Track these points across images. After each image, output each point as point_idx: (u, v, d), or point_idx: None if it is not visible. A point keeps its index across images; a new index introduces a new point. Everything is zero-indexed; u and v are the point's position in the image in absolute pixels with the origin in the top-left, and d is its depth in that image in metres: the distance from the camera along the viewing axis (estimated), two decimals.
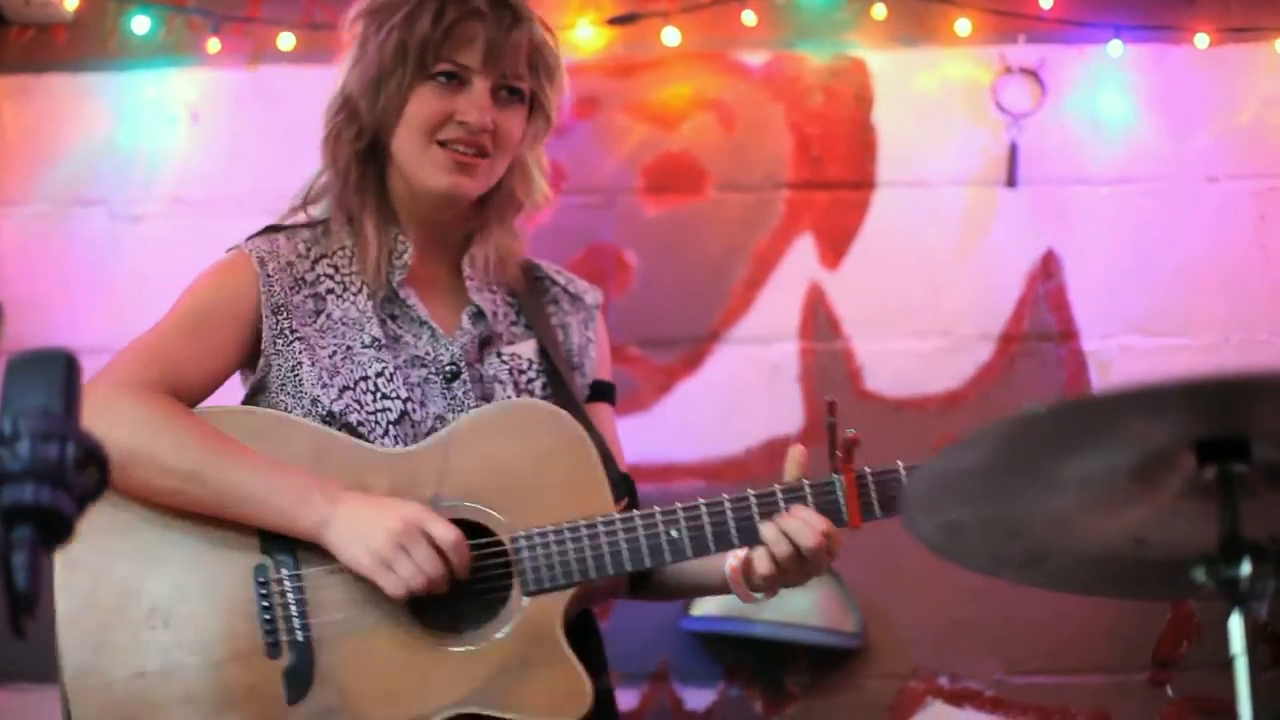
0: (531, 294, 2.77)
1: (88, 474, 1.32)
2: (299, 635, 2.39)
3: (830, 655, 3.51)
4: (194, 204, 3.68)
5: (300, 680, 2.39)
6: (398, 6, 2.59)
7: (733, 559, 2.51)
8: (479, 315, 2.67)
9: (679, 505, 2.44)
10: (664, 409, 3.64)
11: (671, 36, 3.67)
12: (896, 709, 3.55)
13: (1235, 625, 1.63)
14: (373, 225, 2.62)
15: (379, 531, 2.36)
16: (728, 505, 2.45)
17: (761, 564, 2.42)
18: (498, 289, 2.72)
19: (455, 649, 2.41)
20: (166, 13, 3.69)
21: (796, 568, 2.43)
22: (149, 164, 3.69)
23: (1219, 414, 1.61)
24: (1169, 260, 3.65)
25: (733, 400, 3.64)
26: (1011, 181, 3.65)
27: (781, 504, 2.44)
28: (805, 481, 2.45)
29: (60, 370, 1.36)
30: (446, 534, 2.38)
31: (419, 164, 2.59)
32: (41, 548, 1.28)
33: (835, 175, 3.70)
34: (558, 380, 2.67)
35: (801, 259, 3.68)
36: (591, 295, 2.84)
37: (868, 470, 2.45)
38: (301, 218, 2.69)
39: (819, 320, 3.66)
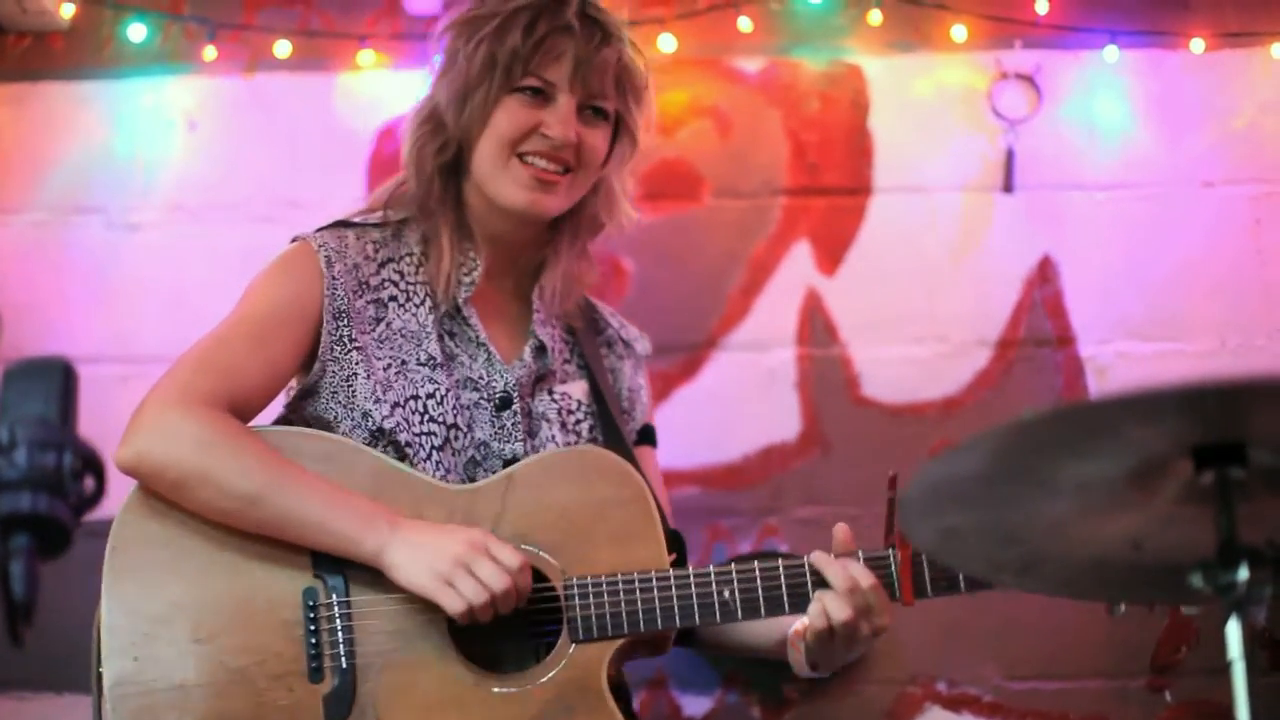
0: (588, 333, 2.77)
1: (85, 482, 1.32)
2: (343, 661, 2.38)
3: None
4: (191, 211, 3.67)
5: (340, 706, 2.38)
6: (489, 19, 2.59)
7: (798, 623, 2.51)
8: (542, 350, 2.66)
9: (734, 564, 2.45)
10: (661, 416, 3.62)
11: (667, 43, 3.67)
12: (894, 714, 3.54)
13: (1233, 630, 1.63)
14: (448, 237, 2.61)
15: (442, 552, 2.36)
16: (782, 570, 2.46)
17: (817, 620, 2.45)
18: (557, 324, 2.72)
19: (498, 689, 2.40)
20: (163, 21, 3.68)
21: (844, 638, 2.45)
22: (146, 172, 3.69)
23: (1216, 419, 1.61)
24: (1165, 265, 3.65)
25: (730, 407, 3.64)
26: (1008, 187, 3.65)
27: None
28: (860, 553, 2.47)
29: (58, 379, 1.36)
30: (512, 557, 2.37)
31: (499, 178, 2.58)
32: (39, 556, 1.28)
33: (832, 181, 3.70)
34: (608, 422, 2.66)
35: (798, 265, 3.68)
36: (641, 344, 2.85)
37: (923, 550, 2.47)
38: (375, 216, 2.68)
39: (816, 326, 3.66)
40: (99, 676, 2.39)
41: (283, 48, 3.67)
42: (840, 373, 3.64)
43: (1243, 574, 1.64)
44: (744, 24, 3.68)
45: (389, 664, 2.40)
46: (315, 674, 2.38)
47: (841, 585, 2.42)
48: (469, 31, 2.61)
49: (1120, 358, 3.63)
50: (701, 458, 3.62)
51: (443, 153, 2.62)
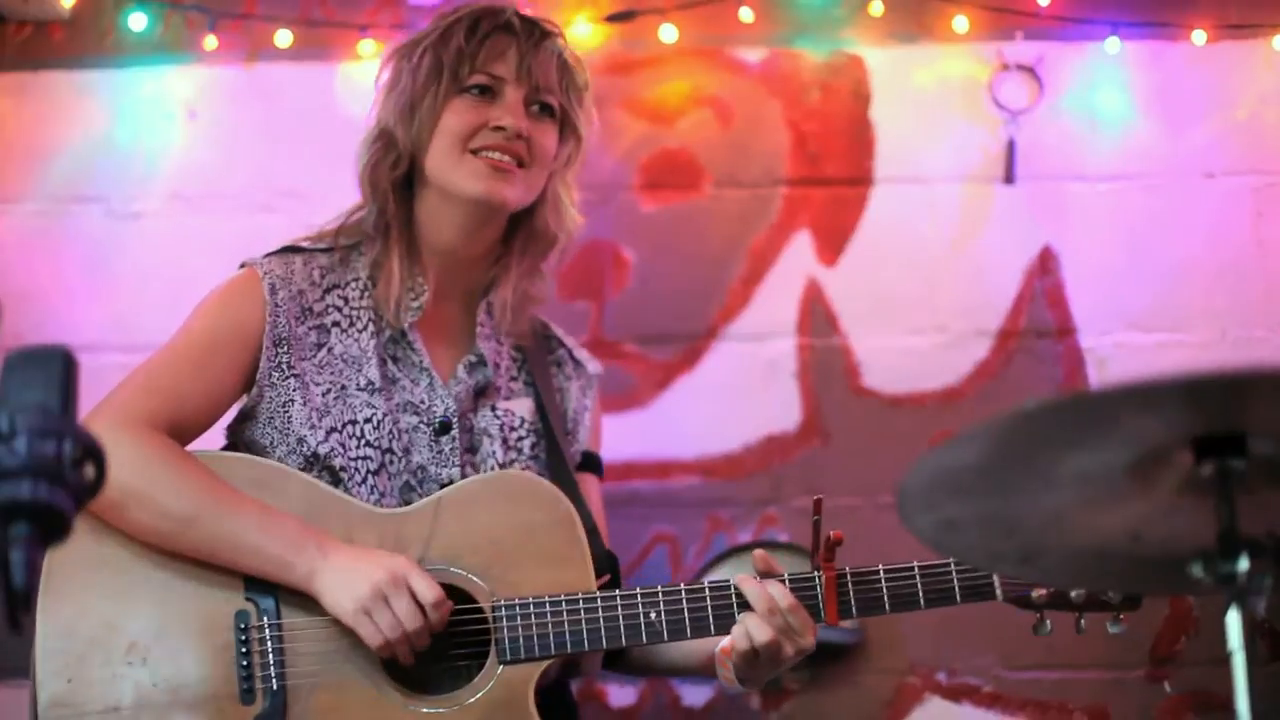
0: (537, 350, 2.78)
1: (85, 471, 1.32)
2: (274, 683, 2.40)
3: (828, 651, 3.51)
4: (192, 201, 3.67)
5: None
6: (430, 33, 2.64)
7: (724, 640, 2.54)
8: (478, 364, 2.68)
9: (660, 588, 2.49)
10: (662, 406, 3.64)
11: (669, 33, 3.67)
12: (894, 705, 3.55)
13: (1233, 621, 1.63)
14: (398, 260, 2.63)
15: (364, 581, 2.38)
16: (708, 591, 2.49)
17: (741, 641, 2.48)
18: (505, 341, 2.73)
19: (426, 709, 2.43)
20: (163, 10, 3.68)
21: (772, 653, 2.49)
22: (147, 161, 3.69)
23: (1216, 410, 1.61)
24: (1166, 256, 3.65)
25: (730, 397, 3.64)
26: (1009, 178, 3.65)
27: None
28: (785, 575, 2.50)
29: (58, 367, 1.36)
30: (429, 591, 2.40)
31: (455, 172, 2.60)
32: (39, 545, 1.28)
33: (833, 172, 3.70)
34: (551, 442, 2.69)
35: (799, 255, 3.68)
36: (593, 366, 2.87)
37: (848, 570, 2.51)
38: (324, 242, 2.70)
39: (816, 317, 3.66)
40: (34, 699, 2.39)
41: (283, 37, 3.67)
42: (840, 363, 3.64)
43: (1243, 565, 1.64)
44: (745, 14, 3.68)
45: (320, 685, 2.42)
46: (247, 696, 2.40)
47: (761, 607, 2.47)
48: (411, 49, 2.67)
49: (1120, 348, 3.63)
50: (702, 447, 3.62)
51: (396, 168, 2.65)
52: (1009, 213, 3.67)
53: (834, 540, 2.49)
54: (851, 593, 2.52)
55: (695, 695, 3.55)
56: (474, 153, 2.60)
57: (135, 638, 2.41)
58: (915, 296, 3.66)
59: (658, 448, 3.60)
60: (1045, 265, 3.66)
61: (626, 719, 3.55)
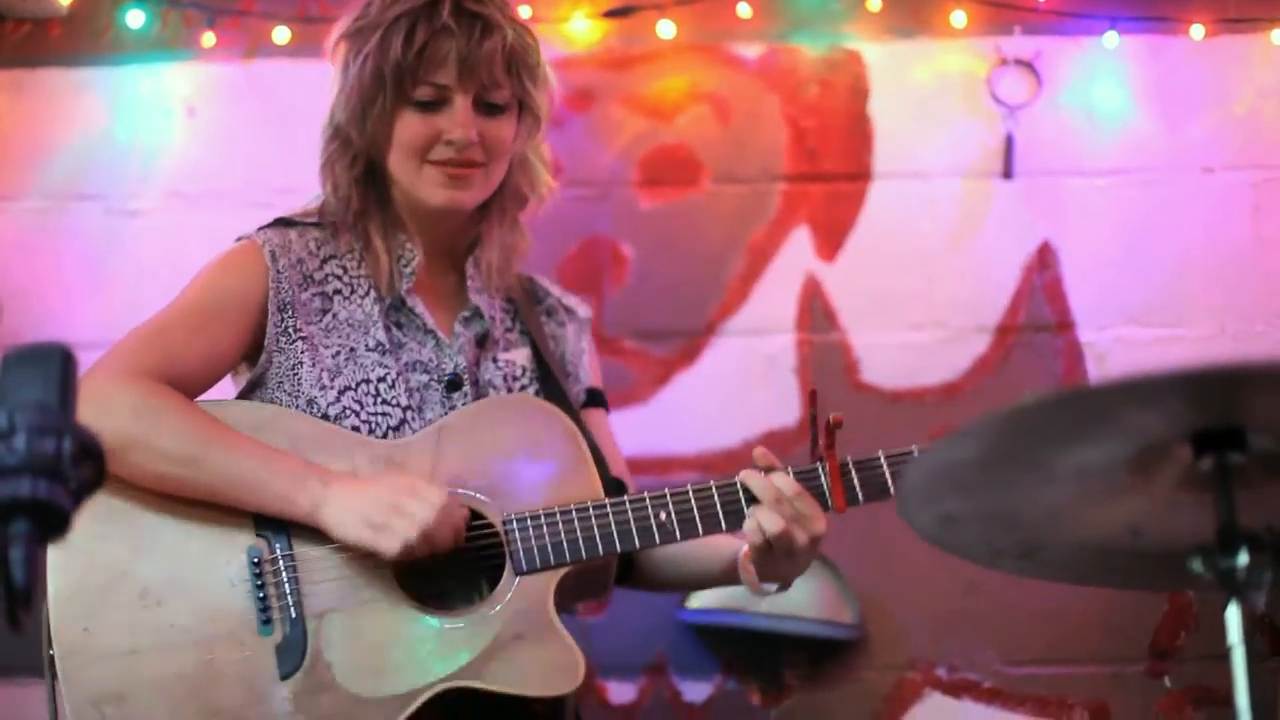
0: (527, 302, 2.79)
1: (84, 468, 1.32)
2: (292, 612, 2.41)
3: (828, 647, 3.52)
4: (190, 198, 3.67)
5: (292, 655, 2.40)
6: (372, 30, 2.60)
7: (746, 545, 2.54)
8: (474, 317, 2.68)
9: (668, 490, 2.49)
10: (661, 402, 3.64)
11: (666, 29, 3.67)
12: (894, 700, 3.55)
13: (1233, 616, 1.64)
14: (380, 237, 2.64)
15: (373, 502, 2.39)
16: (715, 490, 2.49)
17: (754, 534, 2.47)
18: (496, 295, 2.74)
19: (447, 624, 2.43)
20: (161, 7, 3.68)
21: (783, 550, 2.47)
22: (145, 158, 3.69)
23: (1215, 405, 1.61)
24: (1165, 251, 3.65)
25: (730, 392, 3.64)
26: (1007, 173, 3.65)
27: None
28: (790, 468, 2.50)
29: (57, 364, 1.36)
30: (439, 493, 2.40)
31: (414, 184, 2.62)
32: (38, 542, 1.28)
33: (831, 167, 3.70)
34: (552, 385, 2.69)
35: (798, 251, 3.68)
36: (583, 309, 2.88)
37: (849, 459, 2.52)
38: (312, 217, 2.70)
39: (815, 312, 3.66)
40: (50, 659, 2.40)
41: (281, 34, 3.67)
42: (840, 358, 3.64)
43: (1242, 559, 1.64)
44: (743, 10, 3.68)
45: (338, 609, 2.42)
46: (265, 627, 2.40)
47: (768, 497, 2.46)
48: (356, 45, 2.62)
49: (1119, 343, 3.63)
50: (701, 443, 3.62)
51: (355, 166, 2.64)
52: (1007, 208, 3.67)
53: (834, 424, 2.49)
54: (855, 479, 2.52)
55: (695, 691, 3.56)
56: (431, 163, 2.60)
57: (149, 582, 2.41)
58: (914, 292, 3.66)
59: (657, 444, 3.60)
60: (1044, 260, 3.66)
61: (626, 715, 3.55)
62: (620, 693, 3.56)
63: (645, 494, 2.51)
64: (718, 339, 3.66)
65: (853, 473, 2.53)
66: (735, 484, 2.51)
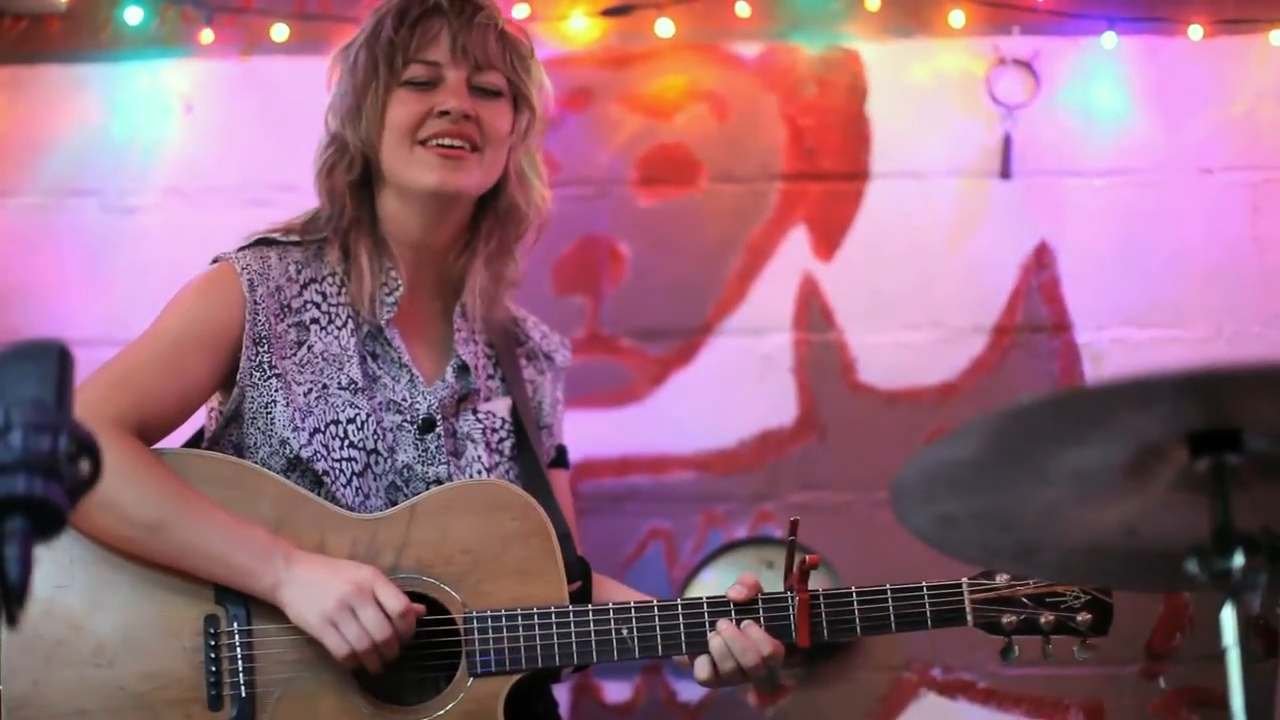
0: (507, 346, 2.76)
1: (80, 465, 1.32)
2: (242, 690, 2.39)
3: (823, 647, 3.51)
4: (187, 195, 3.67)
5: None
6: (363, 30, 2.62)
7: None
8: (464, 369, 2.66)
9: (633, 604, 2.48)
10: (657, 401, 3.64)
11: (665, 28, 3.67)
12: (890, 700, 3.55)
13: (1228, 617, 1.63)
14: (367, 256, 2.61)
15: (330, 593, 2.36)
16: (681, 611, 2.48)
17: (701, 670, 2.50)
18: (479, 340, 2.71)
19: None
20: (160, 3, 3.68)
21: (735, 679, 2.51)
22: (142, 155, 3.68)
23: (1211, 406, 1.61)
24: (1162, 252, 3.65)
25: (726, 392, 3.64)
26: (1005, 173, 3.65)
27: (734, 618, 2.49)
28: (759, 596, 2.49)
29: (53, 361, 1.35)
30: (395, 601, 2.38)
31: (407, 167, 2.58)
32: (33, 540, 1.28)
33: (829, 167, 3.70)
34: (524, 440, 2.67)
35: (795, 250, 3.68)
36: (561, 355, 2.85)
37: (820, 592, 2.50)
38: (294, 235, 2.67)
39: (812, 312, 3.66)
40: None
41: (279, 31, 3.67)
42: (837, 358, 3.64)
43: (1238, 561, 1.64)
44: (742, 9, 3.68)
45: (288, 694, 2.40)
46: (215, 702, 2.38)
47: (725, 654, 2.47)
48: (348, 50, 2.65)
49: (1116, 344, 3.63)
50: (697, 443, 3.62)
51: (351, 169, 2.62)
52: (1005, 208, 3.67)
53: (808, 565, 2.48)
54: (824, 616, 2.51)
55: (691, 692, 3.55)
56: (424, 143, 2.58)
57: (103, 639, 2.39)
58: (911, 291, 3.66)
59: (653, 443, 3.60)
60: (1041, 260, 3.66)
61: (621, 715, 3.55)
62: (616, 692, 3.56)
63: (610, 605, 2.49)
64: (715, 338, 3.66)
65: (822, 610, 2.51)
66: (702, 607, 2.49)
